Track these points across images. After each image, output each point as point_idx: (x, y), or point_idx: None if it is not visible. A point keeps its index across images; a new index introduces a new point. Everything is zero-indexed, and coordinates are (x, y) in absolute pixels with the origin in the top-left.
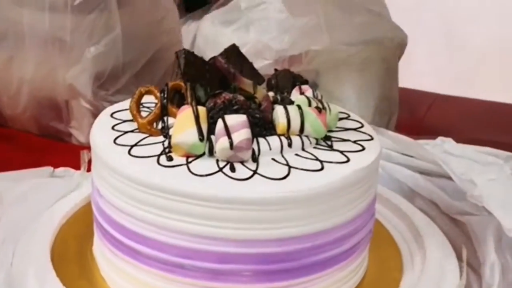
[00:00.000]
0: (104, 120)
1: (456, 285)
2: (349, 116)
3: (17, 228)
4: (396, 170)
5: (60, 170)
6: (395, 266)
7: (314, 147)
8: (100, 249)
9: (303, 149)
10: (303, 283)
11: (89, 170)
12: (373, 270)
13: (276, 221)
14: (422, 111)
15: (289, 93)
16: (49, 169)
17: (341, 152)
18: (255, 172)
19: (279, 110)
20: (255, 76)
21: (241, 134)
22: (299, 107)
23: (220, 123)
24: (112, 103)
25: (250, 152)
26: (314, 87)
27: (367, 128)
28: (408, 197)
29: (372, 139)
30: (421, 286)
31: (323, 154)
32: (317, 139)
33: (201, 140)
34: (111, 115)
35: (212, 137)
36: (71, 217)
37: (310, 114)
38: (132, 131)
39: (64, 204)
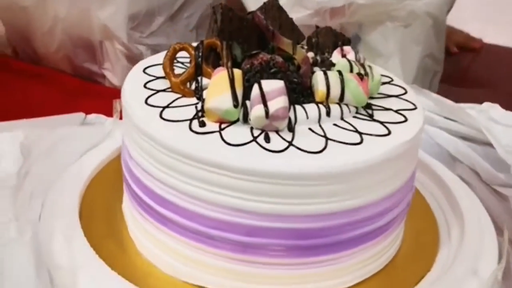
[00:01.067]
0: (136, 75)
1: (493, 267)
2: (392, 80)
3: (45, 182)
4: (437, 134)
5: (92, 116)
6: (431, 240)
7: (354, 117)
8: (129, 209)
9: (342, 119)
10: (336, 258)
11: (121, 118)
12: (408, 243)
13: (311, 196)
14: (466, 61)
15: (330, 53)
16: (80, 115)
17: (382, 123)
18: (290, 143)
19: (318, 76)
20: (295, 33)
21: (278, 102)
22: (339, 73)
23: (256, 88)
24: (146, 46)
25: (286, 121)
26: (356, 40)
27: (411, 95)
28: (448, 164)
29: (415, 108)
30: (456, 265)
31: (363, 125)
32: (357, 108)
33: (236, 106)
34: (144, 71)
35: (247, 102)
36: (101, 170)
37: (351, 81)
38: (164, 90)
39: (94, 156)
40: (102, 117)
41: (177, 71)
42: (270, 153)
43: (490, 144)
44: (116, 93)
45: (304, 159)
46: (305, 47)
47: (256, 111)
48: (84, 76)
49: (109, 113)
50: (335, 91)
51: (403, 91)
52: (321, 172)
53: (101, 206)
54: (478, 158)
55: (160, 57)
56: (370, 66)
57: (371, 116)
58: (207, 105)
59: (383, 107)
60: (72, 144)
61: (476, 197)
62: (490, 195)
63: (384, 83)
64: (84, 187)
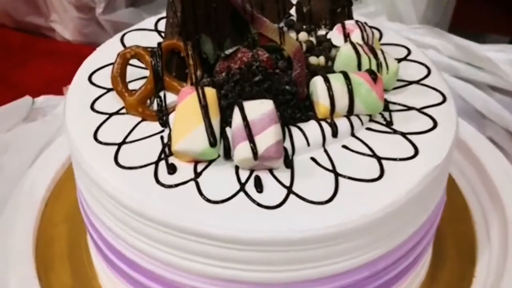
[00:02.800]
0: (80, 87)
1: None
2: (409, 52)
3: None
4: (462, 87)
5: (41, 100)
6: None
7: (368, 128)
8: (96, 257)
9: (352, 135)
10: None
11: None
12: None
13: (319, 259)
14: None
15: (327, 26)
16: (27, 100)
17: (404, 135)
18: (289, 190)
19: (318, 85)
20: (280, 5)
21: (269, 137)
22: (345, 76)
23: (237, 116)
24: None
25: (281, 160)
26: None
27: (435, 77)
28: (477, 122)
29: (444, 101)
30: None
31: (381, 143)
32: (370, 115)
33: (213, 145)
34: (90, 79)
35: (228, 131)
36: (57, 185)
37: (362, 85)
38: (118, 112)
39: (46, 165)
40: (52, 98)
41: (133, 81)
42: (264, 210)
43: None
44: (69, 49)
45: (309, 215)
46: (294, 19)
47: (241, 151)
48: (31, 31)
49: (64, 74)
50: (342, 103)
51: (425, 71)
52: (331, 232)
53: (62, 245)
54: (511, 116)
55: (110, 53)
56: (382, 51)
57: (389, 124)
58: (176, 146)
59: (403, 105)
60: (20, 150)
61: None
62: None
63: (399, 60)
64: (39, 214)
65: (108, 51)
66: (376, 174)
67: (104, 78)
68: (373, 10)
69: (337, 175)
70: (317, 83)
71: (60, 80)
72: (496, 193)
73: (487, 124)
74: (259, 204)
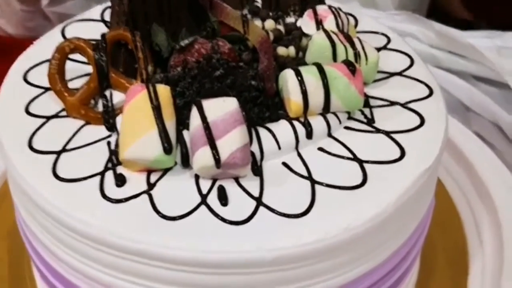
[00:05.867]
0: (13, 88)
1: None
2: (389, 40)
3: None
4: (444, 78)
5: None
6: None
7: (346, 127)
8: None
9: (329, 135)
10: None
11: None
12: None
13: (294, 281)
14: None
15: (296, 11)
16: None
17: (388, 134)
18: (259, 201)
19: (289, 79)
20: None
21: (233, 141)
22: (319, 69)
23: (196, 117)
24: None
25: (248, 167)
26: None
27: (419, 68)
28: (461, 115)
29: (430, 94)
30: None
31: (362, 143)
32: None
33: (168, 151)
34: (25, 77)
35: (186, 134)
36: None
37: (339, 79)
38: (57, 115)
39: None
40: None
41: (75, 79)
42: (230, 226)
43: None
44: (12, 43)
45: (282, 231)
46: (259, 5)
47: (202, 158)
48: None
49: (6, 72)
50: (316, 100)
51: (408, 62)
52: (309, 250)
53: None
54: (497, 108)
55: (51, 44)
56: (360, 40)
57: (370, 121)
58: (124, 154)
59: (385, 100)
60: None
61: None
62: None
63: (378, 49)
64: None
65: (46, 45)
66: (358, 180)
67: (42, 76)
68: None
69: (313, 182)
70: (288, 77)
71: (1, 78)
72: (487, 194)
73: (472, 117)
74: (223, 220)
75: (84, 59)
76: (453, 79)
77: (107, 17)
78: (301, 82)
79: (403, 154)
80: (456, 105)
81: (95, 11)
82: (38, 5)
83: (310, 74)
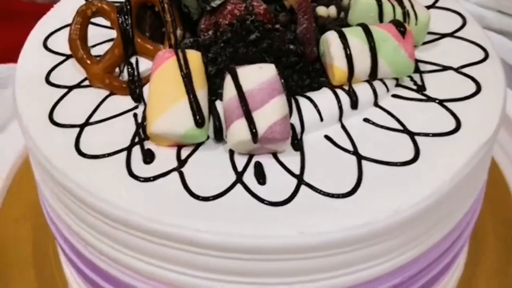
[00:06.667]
0: (33, 54)
1: None
2: None
3: None
4: (495, 42)
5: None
6: None
7: (394, 95)
8: (66, 265)
9: (376, 104)
10: None
11: None
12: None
13: (338, 267)
14: None
15: None
16: None
17: (441, 103)
18: (300, 180)
19: (332, 42)
20: None
21: (271, 113)
22: (365, 30)
23: (230, 86)
24: None
25: (288, 142)
26: None
27: (473, 28)
28: None
29: (486, 57)
30: None
31: (412, 113)
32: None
33: (200, 124)
34: (45, 43)
35: (218, 105)
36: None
37: (387, 41)
38: (79, 84)
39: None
40: (13, 68)
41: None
42: (269, 207)
43: None
44: (33, 9)
45: (325, 213)
46: None
47: (237, 131)
48: None
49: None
50: (362, 65)
51: (460, 21)
52: (355, 235)
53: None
54: None
55: (73, 7)
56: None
57: (421, 88)
58: (152, 129)
59: (437, 64)
60: None
61: None
62: None
63: (428, 7)
64: None
65: (68, 8)
66: (410, 155)
67: (63, 42)
68: None
69: (359, 157)
70: (330, 40)
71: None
72: None
73: None
74: (261, 200)
75: (107, 23)
76: (503, 41)
77: None
78: (346, 46)
79: (458, 125)
80: (508, 72)
81: None
82: None
83: (355, 36)
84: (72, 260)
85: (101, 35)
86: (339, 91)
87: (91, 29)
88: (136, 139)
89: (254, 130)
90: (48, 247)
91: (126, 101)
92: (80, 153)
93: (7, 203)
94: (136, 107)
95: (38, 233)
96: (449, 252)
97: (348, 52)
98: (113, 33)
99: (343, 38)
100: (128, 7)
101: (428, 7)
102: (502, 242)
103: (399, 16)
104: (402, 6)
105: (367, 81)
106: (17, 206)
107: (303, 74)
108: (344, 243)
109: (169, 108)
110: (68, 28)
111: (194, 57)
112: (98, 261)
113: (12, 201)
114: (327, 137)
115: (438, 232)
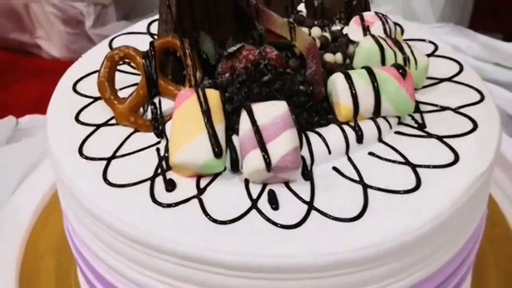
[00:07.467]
0: (63, 97)
1: None
2: (436, 47)
3: None
4: (491, 90)
5: (26, 120)
6: None
7: (397, 132)
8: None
9: (380, 140)
10: None
11: None
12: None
13: (347, 287)
14: None
15: (343, 20)
16: (11, 120)
17: (440, 139)
18: (310, 205)
19: (338, 83)
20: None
21: (284, 144)
22: (369, 72)
23: (245, 120)
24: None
25: (299, 171)
26: None
27: (469, 74)
28: (507, 127)
29: (482, 99)
30: None
31: (414, 148)
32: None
33: (219, 155)
34: (74, 87)
35: (234, 139)
36: (44, 213)
37: (389, 83)
38: (106, 123)
39: (30, 193)
40: (39, 118)
41: (124, 88)
42: (282, 230)
43: None
44: (57, 67)
45: (335, 235)
46: (304, 14)
47: (252, 161)
48: (16, 49)
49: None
50: (367, 103)
51: (456, 67)
52: (363, 255)
53: (49, 280)
54: None
55: (99, 56)
56: (408, 45)
57: (422, 126)
58: (174, 159)
59: (436, 105)
60: (2, 174)
61: None
62: None
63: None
64: (23, 245)
65: (95, 57)
66: (412, 184)
67: (91, 86)
68: (387, 10)
69: (365, 186)
70: (337, 81)
71: (48, 100)
72: None
73: None
74: (275, 223)
75: (132, 70)
76: (499, 91)
77: (153, 29)
78: (351, 85)
79: (457, 158)
80: (502, 118)
81: (140, 25)
82: (82, 27)
83: (359, 77)
84: (93, 285)
85: (127, 81)
86: (345, 127)
87: (118, 75)
88: (159, 170)
89: (268, 160)
90: (70, 281)
91: (149, 137)
92: (107, 182)
93: (33, 239)
94: (158, 143)
95: (61, 268)
96: (452, 279)
97: (354, 91)
98: (137, 79)
99: (348, 79)
100: (153, 52)
101: (428, 55)
102: (504, 276)
103: (400, 61)
104: (403, 52)
105: (372, 118)
106: (43, 241)
107: (312, 112)
108: (352, 263)
109: (190, 140)
110: (95, 74)
111: (213, 95)
112: (118, 283)
113: (38, 237)
114: (335, 169)
115: (442, 256)
